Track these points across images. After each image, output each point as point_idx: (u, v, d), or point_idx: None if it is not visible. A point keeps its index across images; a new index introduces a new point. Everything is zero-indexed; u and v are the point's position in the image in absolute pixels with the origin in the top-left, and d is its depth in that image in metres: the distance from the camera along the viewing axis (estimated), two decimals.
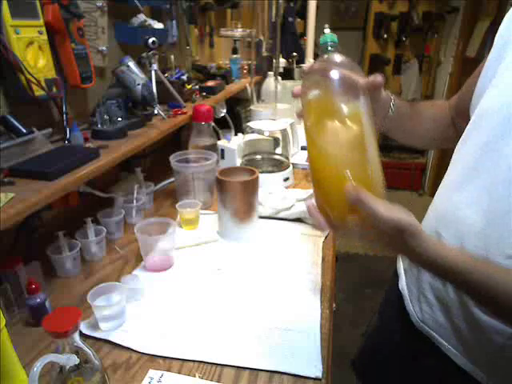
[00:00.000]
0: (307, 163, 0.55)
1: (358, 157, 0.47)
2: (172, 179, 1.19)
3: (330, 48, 0.53)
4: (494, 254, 0.50)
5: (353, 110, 0.50)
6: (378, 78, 0.53)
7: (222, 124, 1.47)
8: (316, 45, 3.15)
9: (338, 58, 0.52)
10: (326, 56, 0.53)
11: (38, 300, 0.66)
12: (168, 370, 0.58)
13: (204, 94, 1.40)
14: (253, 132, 1.31)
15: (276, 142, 1.32)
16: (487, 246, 0.51)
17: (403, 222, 0.43)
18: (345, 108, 0.49)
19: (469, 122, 0.59)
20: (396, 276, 0.77)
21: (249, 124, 1.32)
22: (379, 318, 0.87)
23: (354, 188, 0.43)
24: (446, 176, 0.63)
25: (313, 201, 0.49)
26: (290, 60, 2.19)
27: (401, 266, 0.76)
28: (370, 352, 0.91)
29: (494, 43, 0.58)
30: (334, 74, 0.50)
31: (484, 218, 0.51)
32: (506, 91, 0.52)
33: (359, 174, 0.46)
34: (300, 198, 1.06)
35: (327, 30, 0.55)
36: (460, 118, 0.70)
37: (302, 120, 0.54)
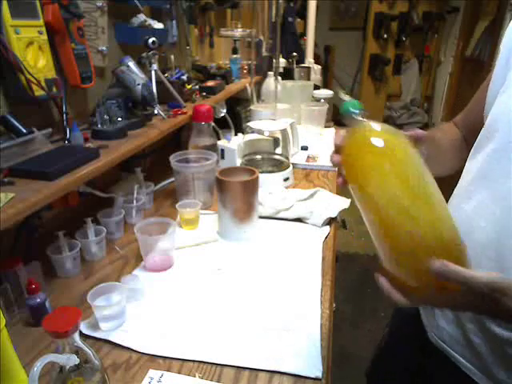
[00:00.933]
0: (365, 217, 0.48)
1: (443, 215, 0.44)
2: (172, 179, 1.19)
3: (355, 116, 0.51)
4: (509, 267, 0.49)
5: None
6: (418, 132, 0.54)
7: (221, 124, 1.46)
8: (316, 45, 3.15)
9: (377, 126, 0.49)
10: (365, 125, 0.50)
11: (38, 300, 0.66)
12: (168, 370, 0.58)
13: (204, 94, 1.40)
14: (253, 132, 1.31)
15: (276, 142, 1.32)
16: (500, 256, 0.50)
17: (496, 280, 0.39)
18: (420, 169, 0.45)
19: (481, 131, 0.58)
20: None
21: (249, 124, 1.32)
22: (390, 333, 0.85)
23: (442, 264, 0.40)
24: (458, 184, 0.62)
25: (381, 278, 0.45)
26: (290, 60, 2.19)
27: None
28: (383, 367, 0.88)
29: (500, 51, 0.57)
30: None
31: (496, 226, 0.50)
32: None
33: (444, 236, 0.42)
34: (300, 198, 1.06)
35: (347, 98, 0.52)
36: (471, 135, 0.67)
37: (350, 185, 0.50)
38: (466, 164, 0.61)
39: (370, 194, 0.46)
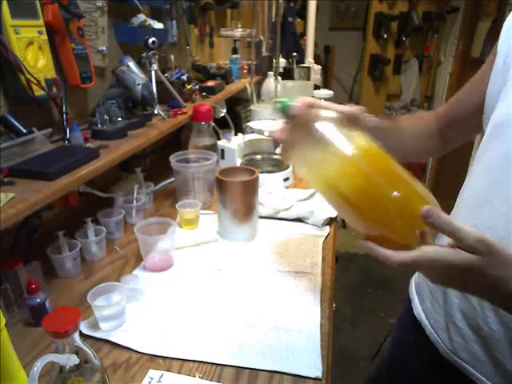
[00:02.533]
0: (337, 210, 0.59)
1: (403, 175, 0.48)
2: (172, 179, 1.19)
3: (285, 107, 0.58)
4: None
5: (365, 137, 0.51)
6: (355, 109, 0.56)
7: (222, 124, 1.46)
8: (316, 45, 3.15)
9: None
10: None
11: (38, 300, 0.66)
12: (168, 370, 0.58)
13: (204, 94, 1.40)
14: (253, 132, 1.31)
15: (276, 141, 1.32)
16: None
17: (488, 237, 0.41)
18: (360, 138, 0.50)
19: (486, 133, 0.57)
20: (409, 300, 0.72)
21: (249, 124, 1.31)
22: (394, 344, 0.80)
23: (430, 209, 0.42)
24: (464, 191, 0.61)
25: (366, 242, 0.47)
26: (290, 60, 2.19)
27: (413, 289, 0.71)
28: (385, 379, 0.82)
29: (498, 49, 0.57)
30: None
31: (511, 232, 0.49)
32: None
33: (411, 190, 0.46)
34: (300, 198, 1.06)
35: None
36: (449, 129, 0.69)
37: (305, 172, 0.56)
38: (472, 168, 0.59)
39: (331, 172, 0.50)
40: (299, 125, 0.56)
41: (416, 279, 0.73)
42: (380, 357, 0.86)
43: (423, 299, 0.67)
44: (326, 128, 0.52)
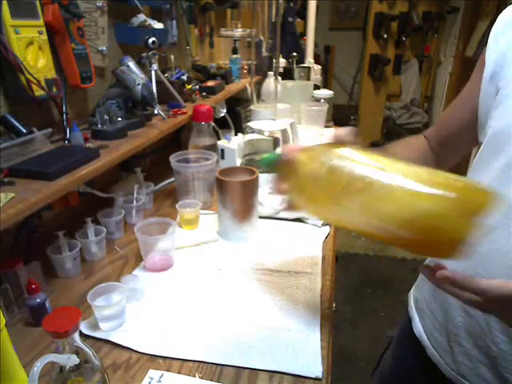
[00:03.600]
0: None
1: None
2: (172, 179, 1.19)
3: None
4: None
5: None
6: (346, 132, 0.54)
7: (222, 124, 1.46)
8: (316, 45, 3.15)
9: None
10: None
11: (38, 300, 0.66)
12: (168, 370, 0.58)
13: (204, 94, 1.40)
14: (253, 132, 1.31)
15: (276, 142, 1.32)
16: None
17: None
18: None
19: (483, 143, 0.56)
20: (408, 319, 0.70)
21: (249, 124, 1.31)
22: (395, 362, 0.78)
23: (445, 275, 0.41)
24: None
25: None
26: (290, 60, 2.19)
27: (412, 305, 0.70)
28: None
29: (486, 60, 0.57)
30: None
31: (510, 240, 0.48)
32: None
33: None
34: None
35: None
36: (443, 148, 0.68)
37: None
38: (471, 176, 0.58)
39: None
40: (301, 172, 0.52)
41: (414, 294, 0.72)
42: (380, 373, 0.83)
43: (423, 317, 0.66)
44: (350, 160, 0.48)
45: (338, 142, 0.52)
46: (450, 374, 0.59)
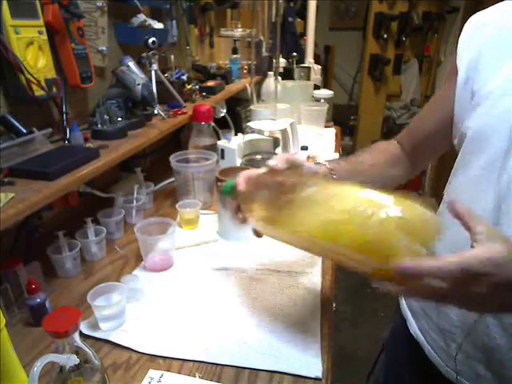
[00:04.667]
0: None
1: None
2: (172, 179, 1.19)
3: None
4: None
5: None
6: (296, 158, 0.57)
7: (222, 124, 1.46)
8: (316, 45, 3.15)
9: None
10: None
11: (38, 300, 0.66)
12: (168, 370, 0.58)
13: (204, 94, 1.40)
14: (253, 132, 1.31)
15: (276, 142, 1.32)
16: None
17: (475, 258, 0.38)
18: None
19: (462, 146, 0.57)
20: (402, 318, 0.70)
21: (249, 124, 1.31)
22: (389, 364, 0.79)
23: (399, 266, 0.40)
24: (447, 198, 0.61)
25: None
26: (290, 60, 2.19)
27: (405, 308, 0.70)
28: None
29: (458, 65, 0.59)
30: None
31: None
32: (496, 109, 0.51)
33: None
34: None
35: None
36: (416, 151, 0.70)
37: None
38: (453, 177, 0.60)
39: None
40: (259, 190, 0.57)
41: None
42: (375, 376, 0.83)
43: (417, 317, 0.66)
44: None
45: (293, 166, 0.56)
46: (445, 371, 0.59)
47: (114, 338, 0.64)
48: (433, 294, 0.42)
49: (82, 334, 0.62)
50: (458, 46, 0.59)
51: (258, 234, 0.60)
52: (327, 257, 0.52)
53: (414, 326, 0.66)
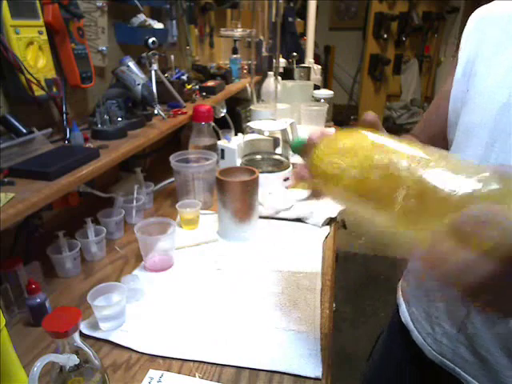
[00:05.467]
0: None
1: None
2: (172, 179, 1.19)
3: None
4: None
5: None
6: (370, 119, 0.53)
7: (222, 124, 1.46)
8: (316, 45, 3.15)
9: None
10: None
11: (38, 300, 0.66)
12: (168, 370, 0.58)
13: (204, 94, 1.40)
14: (253, 132, 1.31)
15: (276, 142, 1.32)
16: None
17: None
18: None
19: (453, 140, 0.59)
20: (397, 307, 0.73)
21: (249, 124, 1.31)
22: (384, 346, 0.82)
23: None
24: None
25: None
26: (290, 60, 2.19)
27: (400, 296, 0.73)
28: (376, 382, 0.84)
29: (458, 58, 0.59)
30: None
31: None
32: (486, 104, 0.52)
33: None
34: (300, 199, 1.06)
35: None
36: (433, 144, 0.69)
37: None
38: None
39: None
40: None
41: (402, 283, 0.74)
42: (372, 360, 0.86)
43: (409, 304, 0.68)
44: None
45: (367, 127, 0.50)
46: (432, 355, 0.62)
47: (114, 338, 0.64)
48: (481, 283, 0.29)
49: (82, 334, 0.62)
50: (461, 39, 0.60)
51: (317, 195, 0.56)
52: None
53: (405, 314, 0.69)
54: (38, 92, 0.75)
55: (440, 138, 0.67)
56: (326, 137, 0.48)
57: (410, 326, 0.67)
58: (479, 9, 0.59)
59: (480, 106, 0.53)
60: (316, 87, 1.99)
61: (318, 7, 2.50)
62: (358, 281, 2.35)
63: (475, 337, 0.53)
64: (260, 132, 1.30)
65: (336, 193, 0.48)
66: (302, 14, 2.89)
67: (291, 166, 1.24)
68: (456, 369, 0.58)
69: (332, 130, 0.51)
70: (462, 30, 0.62)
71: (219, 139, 1.30)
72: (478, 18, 0.59)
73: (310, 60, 2.48)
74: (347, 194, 0.46)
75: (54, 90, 0.79)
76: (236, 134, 1.44)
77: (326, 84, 3.70)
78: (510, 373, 0.51)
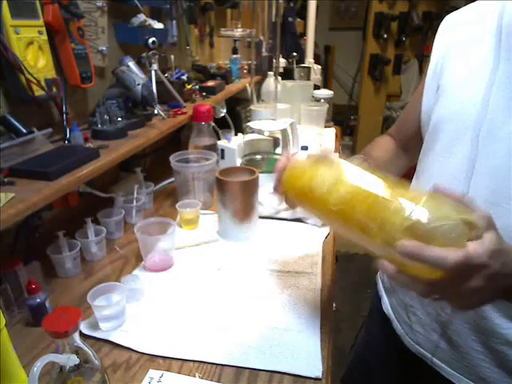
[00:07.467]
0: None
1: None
2: (172, 179, 1.19)
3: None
4: None
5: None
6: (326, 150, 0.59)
7: (222, 124, 1.46)
8: (316, 45, 3.15)
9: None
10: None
11: (38, 300, 0.66)
12: (168, 370, 0.58)
13: (204, 94, 1.40)
14: (253, 132, 1.30)
15: (276, 142, 1.32)
16: None
17: (475, 251, 0.37)
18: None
19: (425, 137, 0.62)
20: (378, 298, 0.77)
21: (249, 124, 1.31)
22: (367, 335, 0.86)
23: (404, 245, 0.39)
24: (414, 185, 0.65)
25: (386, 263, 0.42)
26: (290, 60, 2.19)
27: (381, 288, 0.76)
28: (359, 369, 0.89)
29: (431, 56, 0.63)
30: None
31: None
32: (452, 99, 0.56)
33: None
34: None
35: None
36: (408, 143, 0.73)
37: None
38: (418, 167, 0.65)
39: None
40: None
41: (380, 275, 0.78)
42: (355, 349, 0.90)
43: (389, 295, 0.72)
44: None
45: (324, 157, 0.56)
46: (409, 343, 0.65)
47: (114, 338, 0.64)
48: (430, 285, 0.40)
49: (82, 334, 0.62)
50: (436, 36, 0.63)
51: (291, 207, 0.63)
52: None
53: (386, 304, 0.72)
54: (38, 92, 0.75)
55: (414, 139, 0.70)
56: (291, 164, 0.59)
57: (391, 315, 0.70)
58: (449, 15, 0.63)
59: (447, 101, 0.56)
60: (316, 87, 1.99)
61: (318, 7, 2.50)
62: (358, 281, 2.35)
63: (448, 323, 0.56)
64: (260, 132, 1.30)
65: (304, 208, 0.58)
66: (302, 14, 2.88)
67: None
68: (431, 357, 0.61)
69: (299, 157, 0.61)
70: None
71: (219, 139, 1.30)
72: (447, 21, 0.63)
73: (310, 60, 2.47)
74: (310, 211, 0.57)
75: (54, 90, 0.79)
76: (236, 134, 1.44)
77: (325, 84, 3.69)
78: (482, 356, 0.54)
